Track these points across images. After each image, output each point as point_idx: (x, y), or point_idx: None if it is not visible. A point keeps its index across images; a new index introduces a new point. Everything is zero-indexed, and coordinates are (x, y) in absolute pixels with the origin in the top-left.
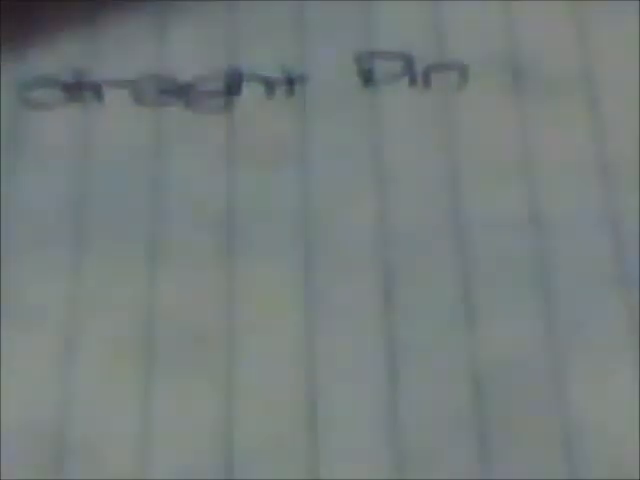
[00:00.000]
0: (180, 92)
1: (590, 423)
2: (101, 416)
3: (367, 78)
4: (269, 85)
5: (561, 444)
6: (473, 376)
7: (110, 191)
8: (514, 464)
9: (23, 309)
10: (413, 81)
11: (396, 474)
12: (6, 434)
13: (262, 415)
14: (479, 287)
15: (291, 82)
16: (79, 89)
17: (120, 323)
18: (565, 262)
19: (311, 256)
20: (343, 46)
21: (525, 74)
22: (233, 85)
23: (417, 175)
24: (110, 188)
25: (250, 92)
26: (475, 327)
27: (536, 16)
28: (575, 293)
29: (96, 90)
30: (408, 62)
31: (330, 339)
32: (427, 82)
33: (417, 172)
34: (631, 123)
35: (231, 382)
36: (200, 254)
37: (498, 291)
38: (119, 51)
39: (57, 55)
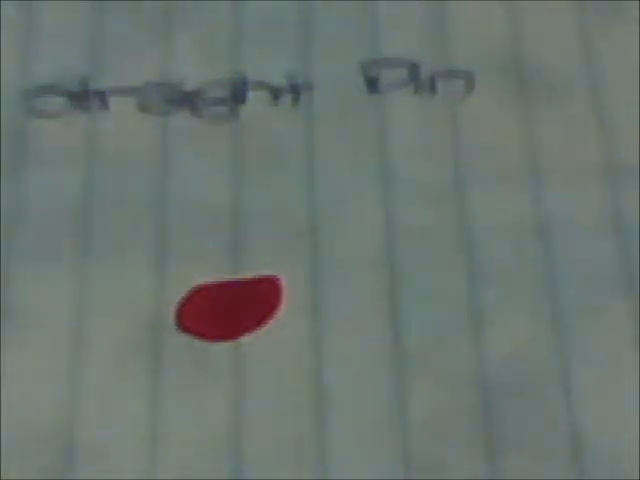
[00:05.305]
0: (185, 100)
1: (595, 424)
2: (109, 418)
3: (372, 85)
4: (275, 93)
5: (566, 444)
6: (479, 378)
7: (115, 198)
8: (520, 464)
9: (30, 312)
10: (418, 88)
11: (404, 474)
12: (15, 435)
13: (270, 416)
14: (484, 290)
15: (297, 90)
16: (84, 97)
17: (127, 325)
18: (569, 264)
19: (316, 261)
20: (348, 54)
21: (528, 78)
22: (239, 93)
23: (422, 181)
24: (115, 195)
25: (256, 100)
26: (481, 329)
27: (539, 20)
28: (579, 295)
29: (101, 98)
30: (413, 69)
31: (336, 340)
32: (433, 89)
33: (423, 178)
34: (633, 123)
35: (239, 384)
36: (205, 257)
37: (503, 294)
38: (124, 59)
39: (61, 63)
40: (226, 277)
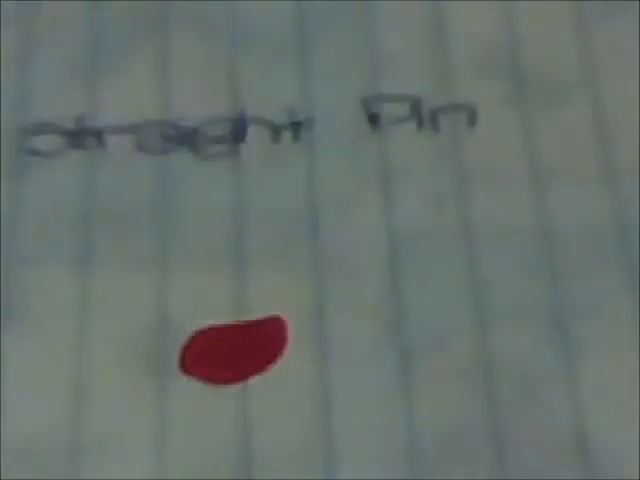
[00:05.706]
0: (184, 138)
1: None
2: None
3: (374, 121)
4: (275, 130)
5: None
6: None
7: (113, 239)
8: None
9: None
10: (420, 124)
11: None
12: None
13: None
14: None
15: (297, 127)
16: (80, 136)
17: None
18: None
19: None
20: (349, 89)
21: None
22: (238, 131)
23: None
24: (113, 236)
25: (256, 137)
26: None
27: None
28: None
29: (98, 137)
30: (415, 104)
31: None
32: (435, 124)
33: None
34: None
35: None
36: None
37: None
38: (121, 97)
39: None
40: (228, 321)
